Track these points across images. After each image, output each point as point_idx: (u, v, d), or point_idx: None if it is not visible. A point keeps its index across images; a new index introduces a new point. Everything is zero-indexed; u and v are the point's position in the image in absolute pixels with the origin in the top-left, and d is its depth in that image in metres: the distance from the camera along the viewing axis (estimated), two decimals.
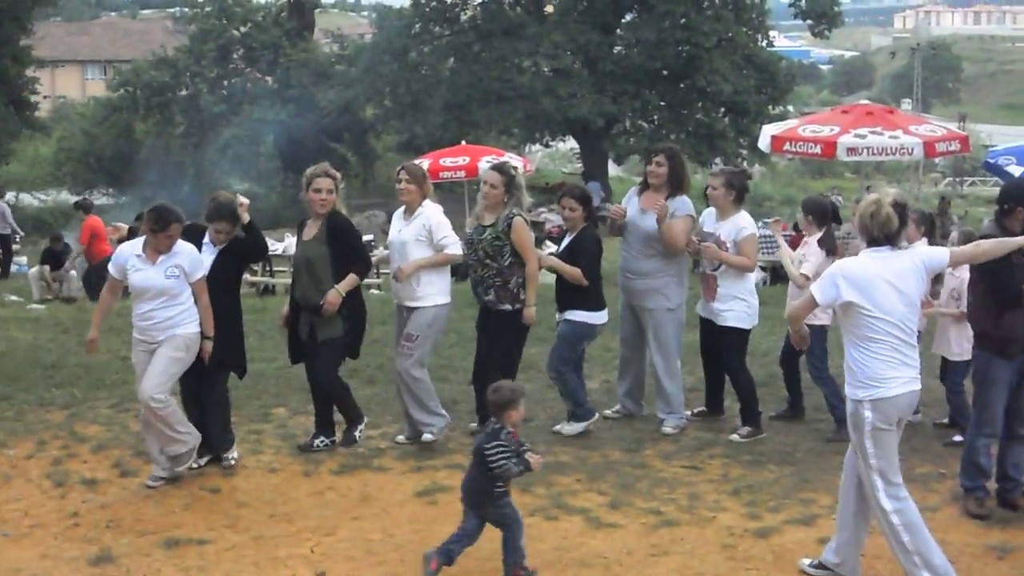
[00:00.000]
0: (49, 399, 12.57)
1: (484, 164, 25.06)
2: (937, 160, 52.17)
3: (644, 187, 11.28)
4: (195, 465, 9.98)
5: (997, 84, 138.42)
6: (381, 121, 55.59)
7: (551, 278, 11.35)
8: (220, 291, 9.89)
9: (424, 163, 23.47)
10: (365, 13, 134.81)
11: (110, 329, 15.85)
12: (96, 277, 22.68)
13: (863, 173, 31.60)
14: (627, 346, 11.67)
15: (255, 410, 11.94)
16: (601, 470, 9.99)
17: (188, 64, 56.82)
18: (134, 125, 59.44)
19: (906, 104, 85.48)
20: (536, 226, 33.83)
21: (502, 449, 7.74)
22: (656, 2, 48.46)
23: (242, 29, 57.67)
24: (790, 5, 53.68)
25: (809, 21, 53.69)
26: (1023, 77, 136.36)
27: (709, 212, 11.32)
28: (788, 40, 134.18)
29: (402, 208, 10.78)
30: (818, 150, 19.93)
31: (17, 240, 31.31)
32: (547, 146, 62.80)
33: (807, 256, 10.99)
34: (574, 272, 10.77)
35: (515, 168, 11.17)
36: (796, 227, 17.24)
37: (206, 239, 10.09)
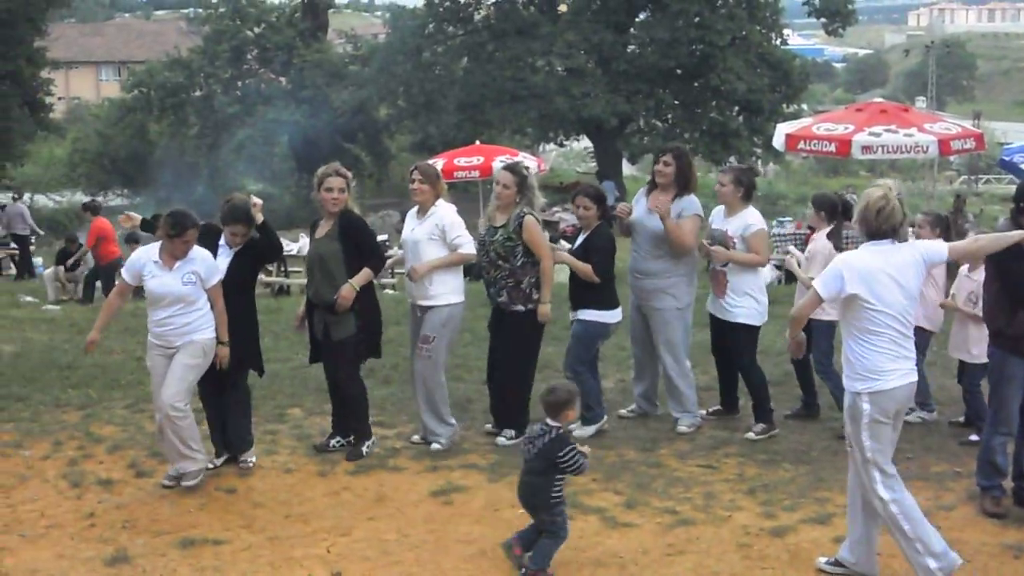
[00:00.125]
0: (65, 400, 12.61)
1: (498, 164, 25.04)
2: (952, 158, 51.97)
3: (652, 187, 11.28)
4: (211, 465, 10.00)
5: (1012, 82, 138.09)
6: (395, 121, 55.70)
7: (565, 277, 11.34)
8: (236, 292, 9.89)
9: (438, 163, 23.55)
10: (379, 13, 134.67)
11: (125, 330, 15.94)
12: (105, 279, 22.80)
13: (878, 171, 31.58)
14: (639, 346, 11.65)
15: (270, 410, 11.95)
16: (617, 469, 9.97)
17: (202, 65, 56.95)
18: (148, 126, 59.62)
19: (920, 102, 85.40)
20: (551, 225, 34.05)
21: (574, 451, 7.84)
22: (670, 1, 48.43)
23: (256, 30, 57.80)
24: (804, 3, 53.58)
25: (823, 19, 53.60)
26: None
27: (718, 210, 11.36)
28: (802, 38, 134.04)
29: (415, 208, 10.78)
30: (833, 148, 19.92)
31: (33, 241, 31.43)
32: (561, 145, 62.86)
33: (815, 251, 11.01)
34: (585, 268, 10.76)
35: (527, 168, 11.17)
36: (812, 227, 17.21)
37: (221, 241, 10.11)
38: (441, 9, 53.08)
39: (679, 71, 50.69)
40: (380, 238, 20.43)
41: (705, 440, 10.92)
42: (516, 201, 10.67)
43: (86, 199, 32.76)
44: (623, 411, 11.71)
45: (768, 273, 21.23)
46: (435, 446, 10.63)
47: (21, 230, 30.28)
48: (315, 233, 10.51)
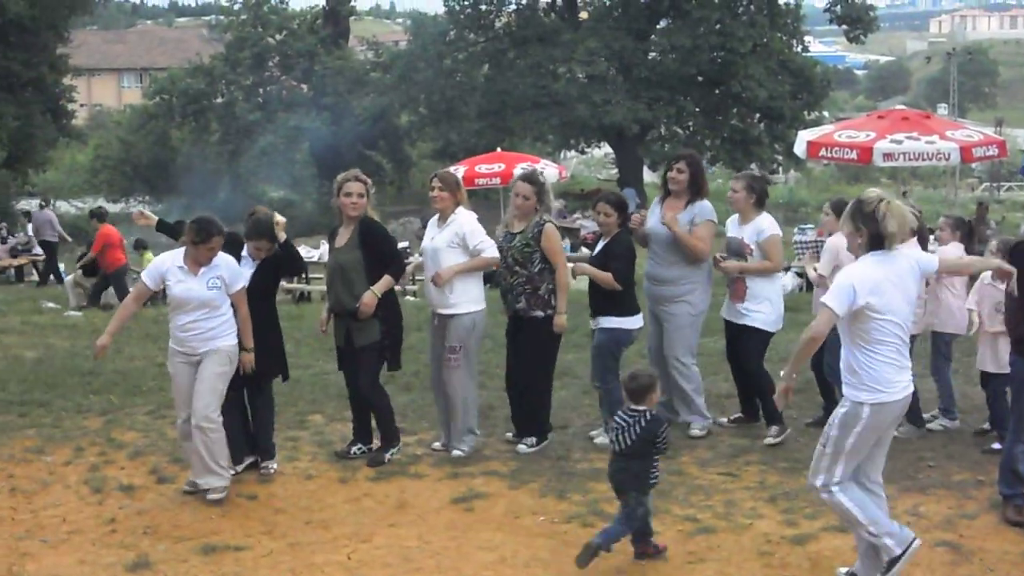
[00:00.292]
0: (86, 406, 12.64)
1: (519, 171, 25.05)
2: (974, 165, 51.86)
3: (667, 194, 11.29)
4: (232, 472, 10.00)
5: None
6: (416, 128, 55.80)
7: (584, 284, 11.34)
8: (258, 299, 9.91)
9: (460, 170, 23.52)
10: (400, 20, 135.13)
11: (146, 336, 16.00)
12: (115, 285, 22.85)
13: (899, 178, 31.39)
14: (653, 358, 11.60)
15: (292, 417, 11.95)
16: None
17: (224, 72, 57.08)
18: (170, 133, 59.78)
19: (942, 109, 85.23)
20: (571, 232, 34.05)
21: (668, 430, 8.26)
22: (691, 8, 48.52)
23: (277, 37, 57.92)
24: (825, 10, 53.66)
25: (844, 26, 53.66)
26: None
27: (732, 218, 11.42)
28: (823, 45, 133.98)
29: (436, 215, 10.78)
30: (854, 156, 19.83)
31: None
32: (582, 152, 62.97)
33: (825, 250, 11.02)
34: (606, 277, 10.74)
35: (541, 173, 11.21)
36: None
37: (244, 253, 10.12)
38: (462, 16, 53.19)
39: (700, 78, 50.77)
40: (401, 245, 20.48)
41: (726, 448, 10.90)
42: (536, 208, 10.69)
43: (110, 206, 32.90)
44: None
45: (789, 281, 21.25)
46: (456, 452, 10.62)
47: (51, 237, 30.42)
48: (335, 242, 10.51)
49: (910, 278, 7.41)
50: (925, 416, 11.25)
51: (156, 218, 10.82)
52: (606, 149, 61.99)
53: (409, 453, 10.72)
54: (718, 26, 48.60)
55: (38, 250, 30.93)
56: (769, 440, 10.92)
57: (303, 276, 24.67)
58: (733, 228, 11.31)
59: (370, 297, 10.09)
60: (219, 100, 57.60)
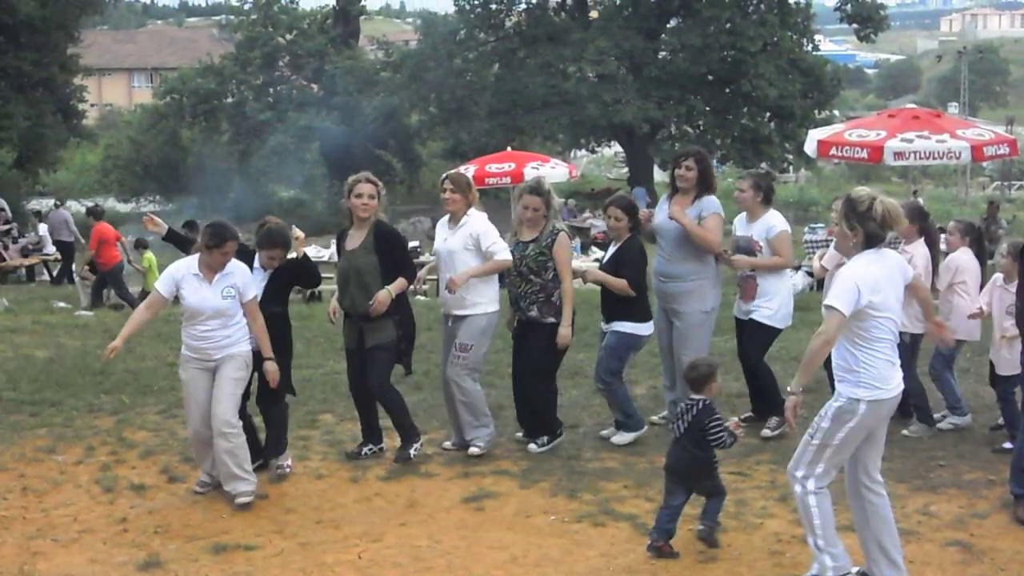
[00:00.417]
0: (98, 405, 12.66)
1: (530, 170, 25.08)
2: (985, 164, 51.85)
3: (675, 191, 11.29)
4: None
5: None
6: (426, 128, 55.79)
7: (596, 287, 11.35)
8: (272, 305, 9.90)
9: (470, 170, 23.60)
10: (410, 20, 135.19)
11: (157, 336, 16.01)
12: (112, 283, 22.88)
13: (910, 177, 31.43)
14: (666, 355, 11.59)
15: (302, 416, 11.95)
16: (648, 476, 9.93)
17: (234, 71, 57.06)
18: (180, 132, 59.81)
19: (953, 108, 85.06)
20: (581, 232, 34.08)
21: (719, 421, 8.28)
22: (701, 7, 48.52)
23: (288, 37, 57.91)
24: (836, 9, 53.64)
25: (855, 25, 53.66)
26: None
27: (740, 217, 11.47)
28: (834, 44, 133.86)
29: (447, 216, 10.78)
30: (865, 155, 19.78)
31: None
32: (592, 151, 62.96)
33: (832, 246, 11.04)
34: (620, 284, 10.75)
35: (545, 179, 11.26)
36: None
37: (256, 263, 10.06)
38: (472, 16, 53.23)
39: (710, 77, 50.76)
40: (411, 244, 20.49)
41: (736, 447, 10.77)
42: (545, 216, 10.69)
43: (120, 206, 32.95)
44: (655, 417, 11.69)
45: (800, 280, 21.22)
46: (473, 450, 10.59)
47: (66, 237, 30.49)
48: (346, 243, 10.49)
49: (899, 276, 7.47)
50: (936, 416, 11.23)
51: (166, 226, 10.70)
52: (616, 148, 62.01)
53: (419, 452, 10.72)
54: (728, 25, 48.63)
55: (49, 249, 31.00)
56: (766, 432, 10.96)
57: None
58: (741, 227, 11.36)
59: (384, 295, 10.06)
60: (229, 100, 57.60)
